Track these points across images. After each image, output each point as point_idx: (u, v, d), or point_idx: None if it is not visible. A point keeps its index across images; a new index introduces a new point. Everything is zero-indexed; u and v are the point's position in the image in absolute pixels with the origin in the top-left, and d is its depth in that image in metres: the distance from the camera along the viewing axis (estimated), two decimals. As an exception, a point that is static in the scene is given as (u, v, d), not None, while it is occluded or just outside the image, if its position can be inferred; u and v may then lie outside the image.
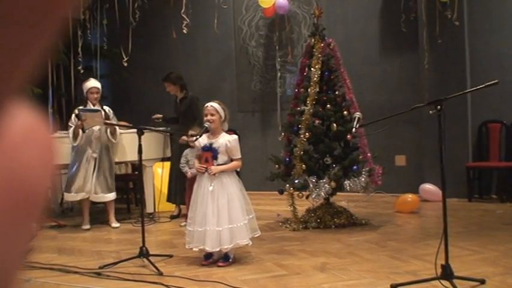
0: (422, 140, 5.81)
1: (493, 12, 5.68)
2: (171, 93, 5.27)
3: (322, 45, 4.61)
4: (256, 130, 6.91)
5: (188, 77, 5.84)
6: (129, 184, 5.96)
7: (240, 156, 3.40)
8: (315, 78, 4.51)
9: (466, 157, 5.66)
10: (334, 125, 4.44)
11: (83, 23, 5.94)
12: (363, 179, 4.27)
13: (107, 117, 4.64)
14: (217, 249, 3.28)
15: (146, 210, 5.00)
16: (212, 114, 3.37)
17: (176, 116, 5.25)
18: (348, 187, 4.26)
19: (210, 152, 3.35)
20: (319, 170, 4.41)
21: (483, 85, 2.81)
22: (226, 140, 3.36)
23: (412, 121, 5.71)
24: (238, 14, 6.97)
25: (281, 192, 4.54)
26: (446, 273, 2.66)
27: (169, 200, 5.22)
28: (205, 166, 3.33)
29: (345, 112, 4.51)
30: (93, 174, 4.64)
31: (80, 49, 5.86)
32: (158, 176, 5.52)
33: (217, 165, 3.32)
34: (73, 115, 4.63)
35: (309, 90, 4.54)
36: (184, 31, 5.38)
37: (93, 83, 4.75)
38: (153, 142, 5.21)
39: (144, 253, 3.39)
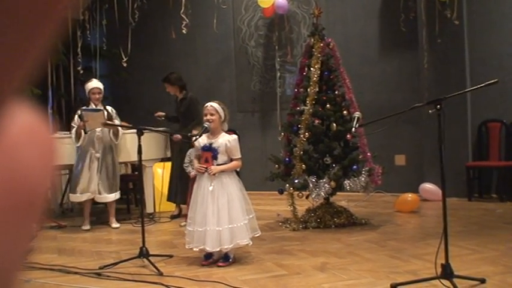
0: (422, 139, 5.81)
1: (493, 12, 5.68)
2: (170, 93, 5.29)
3: (321, 45, 4.61)
4: (256, 130, 6.90)
5: (188, 77, 5.83)
6: (129, 184, 5.96)
7: (239, 156, 3.40)
8: (315, 78, 4.51)
9: (466, 156, 5.66)
10: (334, 124, 4.45)
11: (83, 23, 5.94)
12: (362, 179, 4.27)
13: (109, 117, 4.64)
14: (218, 249, 3.28)
15: (146, 210, 5.00)
16: (212, 114, 3.37)
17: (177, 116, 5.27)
18: (348, 187, 4.26)
19: (210, 152, 3.35)
20: (319, 170, 4.41)
21: (483, 84, 2.81)
22: (226, 140, 3.36)
23: (411, 121, 5.71)
24: (237, 14, 6.97)
25: (281, 192, 4.54)
26: (447, 272, 2.66)
27: (169, 199, 5.22)
28: (205, 166, 3.33)
29: (345, 112, 4.51)
30: (97, 174, 4.65)
31: (79, 49, 5.86)
32: (158, 176, 5.52)
33: (217, 165, 3.32)
34: (76, 116, 4.63)
35: (308, 90, 4.54)
36: (184, 31, 5.38)
37: (94, 84, 4.75)
38: (153, 142, 5.21)
39: (144, 253, 3.39)
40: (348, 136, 4.42)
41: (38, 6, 0.17)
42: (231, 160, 3.37)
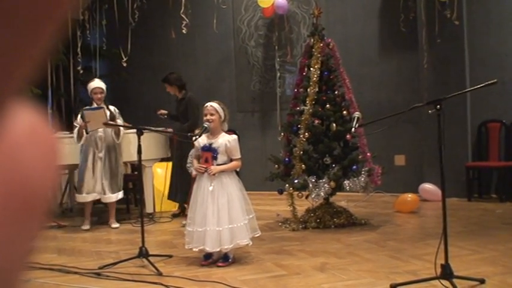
0: (422, 139, 5.81)
1: (492, 12, 5.68)
2: (170, 93, 5.31)
3: (321, 45, 4.61)
4: (256, 130, 6.90)
5: (187, 77, 5.83)
6: (129, 184, 5.96)
7: (239, 156, 3.39)
8: (314, 78, 4.51)
9: (466, 157, 5.67)
10: (334, 124, 4.45)
11: (82, 23, 5.94)
12: (362, 179, 4.27)
13: (112, 116, 4.63)
14: (218, 250, 3.28)
15: (146, 210, 4.99)
16: (212, 114, 3.37)
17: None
18: (348, 187, 4.26)
19: (210, 152, 3.35)
20: (318, 170, 4.41)
21: (482, 84, 2.81)
22: (226, 140, 3.36)
23: (411, 121, 5.71)
24: (237, 14, 6.97)
25: (281, 192, 4.54)
26: (446, 272, 2.66)
27: (170, 197, 5.24)
28: (204, 166, 3.33)
29: (344, 112, 4.51)
30: (101, 174, 4.64)
31: (79, 49, 5.86)
32: (158, 176, 5.52)
33: (217, 165, 3.32)
34: (79, 115, 4.63)
35: (308, 90, 4.54)
36: (184, 31, 5.38)
37: (96, 84, 4.75)
38: (152, 142, 5.21)
39: (143, 253, 3.38)
40: (348, 136, 4.42)
41: (39, 6, 0.17)
42: (231, 160, 3.37)
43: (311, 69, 4.57)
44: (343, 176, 4.28)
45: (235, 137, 3.45)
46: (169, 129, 4.99)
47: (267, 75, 6.88)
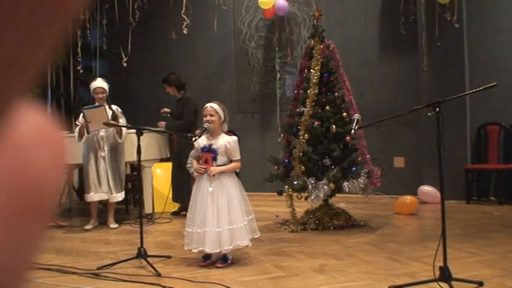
0: (421, 142, 5.81)
1: (492, 15, 5.69)
2: (170, 94, 5.34)
3: (321, 46, 4.61)
4: (256, 131, 6.91)
5: (188, 78, 5.84)
6: (128, 185, 5.96)
7: (239, 158, 3.39)
8: (314, 80, 4.51)
9: (465, 159, 5.67)
10: (334, 126, 4.45)
11: (83, 23, 5.94)
12: (361, 181, 4.27)
13: (114, 116, 4.63)
14: (217, 251, 3.28)
15: (145, 211, 4.99)
16: (211, 115, 3.37)
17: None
18: (347, 189, 4.26)
19: (210, 153, 3.34)
20: (318, 172, 4.41)
21: (482, 87, 2.82)
22: (225, 141, 3.36)
23: (411, 123, 5.72)
24: (238, 15, 6.98)
25: (280, 193, 4.54)
26: (445, 275, 2.66)
27: (174, 199, 5.28)
28: (204, 167, 3.33)
29: (344, 114, 4.51)
30: (106, 174, 4.64)
31: (79, 49, 5.86)
32: (157, 176, 5.52)
33: (217, 166, 3.32)
34: (81, 115, 4.62)
35: (308, 91, 4.54)
36: (184, 32, 5.38)
37: (98, 83, 4.74)
38: (152, 142, 5.21)
39: (142, 254, 3.38)
40: (347, 138, 4.42)
41: (46, 5, 0.18)
42: (231, 161, 3.37)
43: (311, 70, 4.57)
44: (342, 178, 4.28)
45: (235, 138, 3.45)
46: (162, 123, 5.10)
47: (267, 77, 6.88)
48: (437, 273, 2.68)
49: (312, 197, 4.27)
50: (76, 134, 4.58)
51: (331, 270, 3.16)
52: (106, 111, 4.50)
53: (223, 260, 3.34)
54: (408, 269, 3.12)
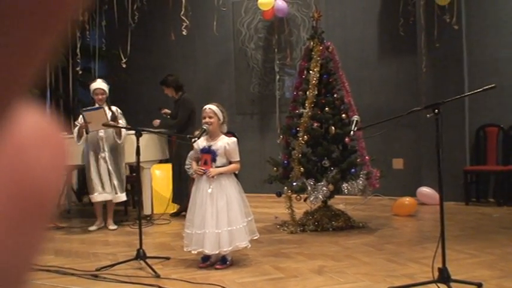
0: (420, 143, 5.82)
1: (491, 17, 5.70)
2: (168, 95, 5.36)
3: (320, 48, 4.62)
4: (255, 132, 6.91)
5: (187, 79, 5.84)
6: (127, 186, 5.95)
7: (238, 159, 3.39)
8: (314, 81, 4.52)
9: (464, 161, 5.67)
10: (333, 127, 4.45)
11: (82, 24, 5.94)
12: (360, 182, 4.27)
13: (113, 117, 4.62)
14: (217, 252, 3.28)
15: (144, 212, 4.99)
16: (210, 117, 3.36)
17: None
18: (346, 190, 4.26)
19: (209, 154, 3.34)
20: (317, 173, 4.41)
21: (480, 89, 2.82)
22: (225, 143, 3.36)
23: (409, 124, 5.72)
24: (237, 16, 6.99)
25: (279, 194, 4.54)
26: (444, 276, 2.67)
27: (173, 200, 5.28)
28: (203, 168, 3.33)
29: (343, 115, 4.52)
30: (108, 174, 4.64)
31: (78, 50, 5.86)
32: (156, 177, 5.52)
33: (216, 167, 3.32)
34: (80, 116, 4.62)
35: (307, 93, 4.54)
36: (184, 33, 5.38)
37: (98, 84, 4.73)
38: (151, 144, 5.20)
39: (141, 255, 3.38)
40: (347, 139, 4.42)
41: (46, 5, 0.18)
42: (230, 163, 3.37)
43: (310, 72, 4.57)
44: (341, 179, 4.28)
45: (234, 139, 3.45)
46: (157, 121, 5.17)
47: (267, 78, 6.89)
48: (436, 274, 2.68)
49: (311, 199, 4.27)
50: (75, 134, 4.58)
51: (330, 272, 3.16)
52: (105, 113, 4.50)
53: (222, 262, 3.34)
54: (407, 270, 3.12)
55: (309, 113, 4.47)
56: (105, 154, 4.64)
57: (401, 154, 6.18)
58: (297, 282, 3.00)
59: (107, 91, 4.75)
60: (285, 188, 4.36)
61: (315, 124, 4.49)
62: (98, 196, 4.64)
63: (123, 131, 4.67)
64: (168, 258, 3.57)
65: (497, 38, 5.67)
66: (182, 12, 5.43)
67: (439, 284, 2.66)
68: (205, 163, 3.35)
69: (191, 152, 4.64)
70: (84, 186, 5.99)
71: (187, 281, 3.02)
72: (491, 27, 5.69)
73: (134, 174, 5.72)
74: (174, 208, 5.37)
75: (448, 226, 3.49)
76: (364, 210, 5.24)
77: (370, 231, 4.36)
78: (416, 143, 5.94)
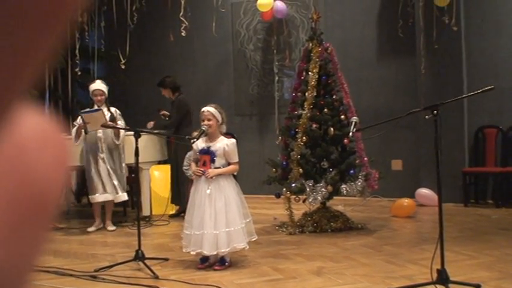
0: (419, 144, 5.82)
1: (490, 18, 5.72)
2: (166, 97, 5.38)
3: (319, 49, 4.62)
4: (254, 134, 6.91)
5: (186, 80, 5.85)
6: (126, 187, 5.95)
7: (237, 160, 3.39)
8: (313, 83, 4.52)
9: (462, 162, 5.68)
10: (332, 129, 4.45)
11: (81, 25, 5.94)
12: (359, 183, 4.28)
13: (112, 118, 4.62)
14: (215, 253, 3.28)
15: (142, 213, 4.98)
16: (209, 119, 3.36)
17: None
18: (345, 191, 4.26)
19: (208, 155, 3.35)
20: (316, 174, 4.41)
21: (479, 90, 2.83)
22: (224, 144, 3.36)
23: (408, 126, 5.73)
24: (236, 17, 6.99)
25: (278, 196, 4.54)
26: (442, 277, 2.67)
27: (172, 201, 5.29)
28: (202, 169, 3.33)
29: (342, 116, 4.52)
30: (108, 175, 4.63)
31: (77, 51, 5.86)
32: (155, 178, 5.52)
33: (215, 168, 3.32)
34: (79, 117, 4.61)
35: (306, 94, 4.54)
36: (183, 34, 5.39)
37: (97, 86, 4.72)
38: (150, 144, 5.20)
39: (139, 256, 3.38)
40: (345, 141, 4.42)
41: (46, 5, 0.18)
42: (229, 164, 3.37)
43: (309, 73, 4.58)
44: (340, 180, 4.29)
45: (233, 140, 3.45)
46: (151, 123, 5.20)
47: (266, 79, 6.89)
48: (435, 275, 2.68)
49: (310, 200, 4.27)
50: (73, 134, 4.57)
51: (328, 273, 3.16)
52: (104, 115, 4.49)
53: (221, 263, 3.34)
54: (406, 272, 3.12)
55: (308, 114, 4.47)
56: (104, 155, 4.64)
57: (400, 155, 6.19)
58: (295, 283, 2.99)
59: (106, 92, 4.75)
60: (284, 189, 4.36)
61: (314, 125, 4.49)
62: (99, 197, 4.64)
63: (122, 132, 4.66)
64: (166, 259, 3.57)
65: (496, 39, 5.68)
66: (181, 14, 5.43)
67: (437, 286, 2.66)
68: (204, 164, 3.35)
69: (189, 153, 4.64)
70: (82, 187, 5.99)
71: (186, 282, 3.02)
72: (491, 29, 5.70)
73: (133, 175, 5.72)
74: (173, 209, 5.37)
75: (447, 227, 3.49)
76: (362, 212, 5.24)
77: (369, 232, 4.36)
78: (415, 145, 5.95)
